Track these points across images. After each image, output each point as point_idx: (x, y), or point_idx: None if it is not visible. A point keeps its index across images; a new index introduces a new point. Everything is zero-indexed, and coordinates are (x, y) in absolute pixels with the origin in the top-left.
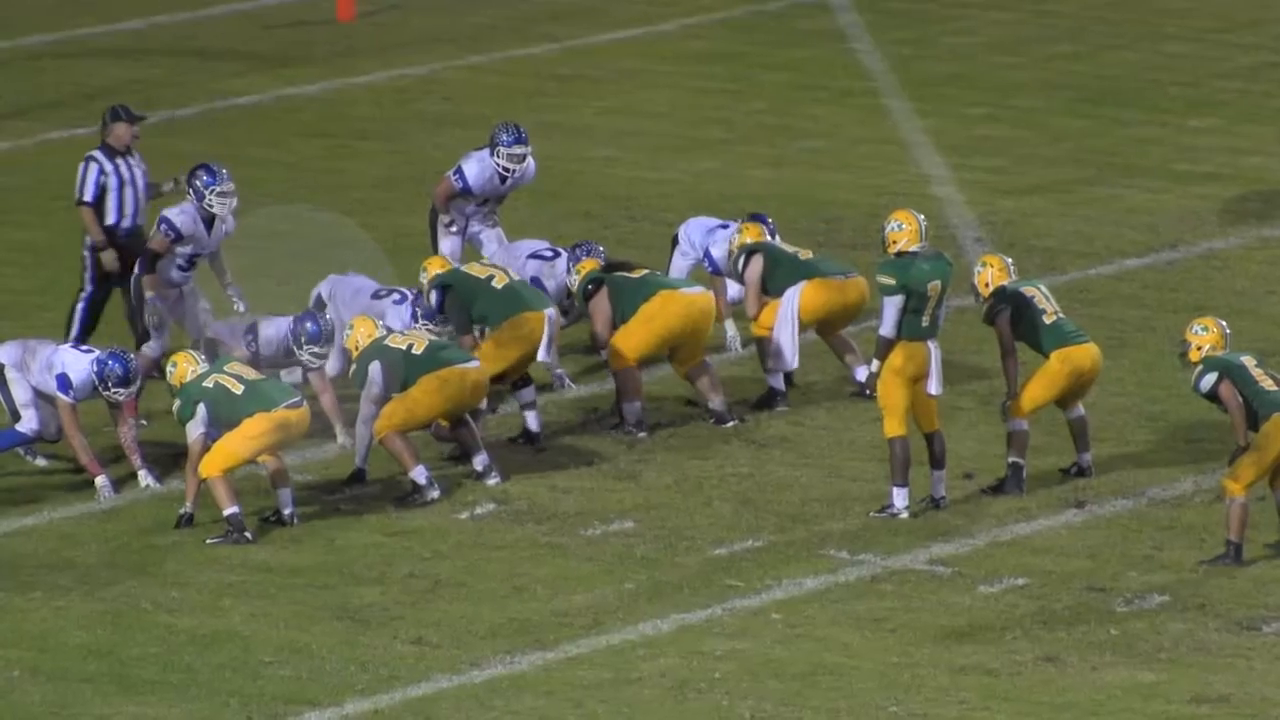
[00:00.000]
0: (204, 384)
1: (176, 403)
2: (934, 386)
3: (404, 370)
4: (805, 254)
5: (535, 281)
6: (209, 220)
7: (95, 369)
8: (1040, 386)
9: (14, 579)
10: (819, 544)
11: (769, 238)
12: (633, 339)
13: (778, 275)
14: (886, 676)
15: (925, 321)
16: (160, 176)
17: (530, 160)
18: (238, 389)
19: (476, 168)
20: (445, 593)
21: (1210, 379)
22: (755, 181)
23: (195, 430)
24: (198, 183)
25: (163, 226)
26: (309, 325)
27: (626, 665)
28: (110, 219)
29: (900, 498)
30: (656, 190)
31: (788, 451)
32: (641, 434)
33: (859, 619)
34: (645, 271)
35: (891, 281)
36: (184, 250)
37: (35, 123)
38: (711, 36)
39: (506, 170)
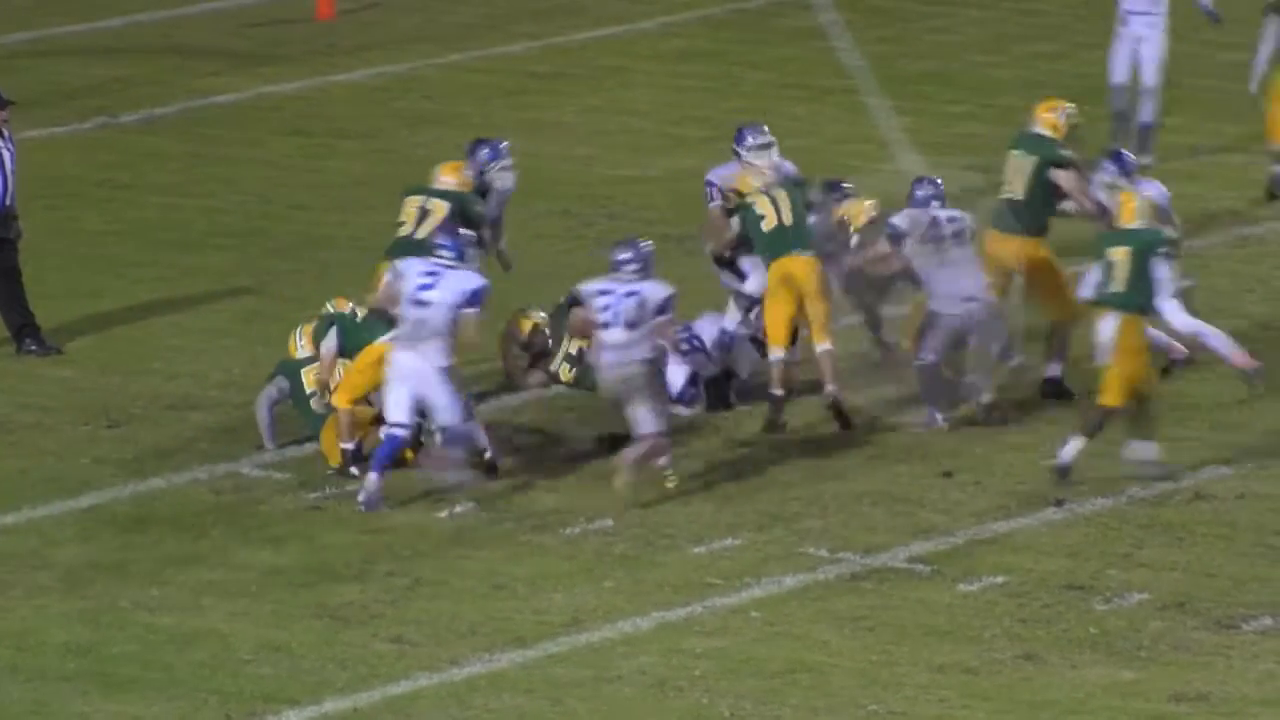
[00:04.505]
0: (342, 310)
1: (313, 322)
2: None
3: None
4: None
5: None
6: (483, 193)
7: None
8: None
9: None
10: (798, 542)
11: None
12: None
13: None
14: (866, 674)
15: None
16: (146, 172)
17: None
18: (362, 316)
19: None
20: (425, 591)
21: None
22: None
23: (326, 345)
24: (481, 157)
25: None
26: None
27: (606, 663)
28: None
29: None
30: (637, 189)
31: (767, 450)
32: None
33: (838, 617)
34: None
35: None
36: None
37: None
38: (691, 35)
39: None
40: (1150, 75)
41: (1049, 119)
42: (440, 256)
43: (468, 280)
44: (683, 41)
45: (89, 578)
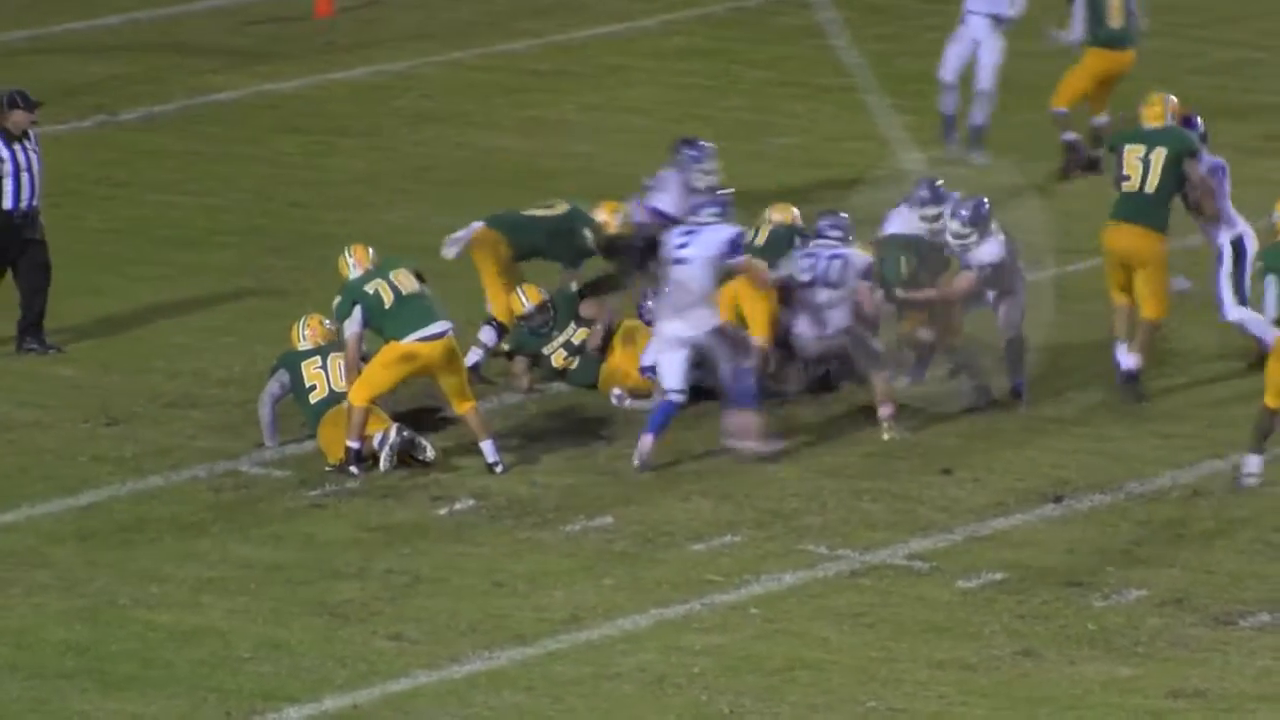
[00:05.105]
0: (365, 287)
1: (337, 299)
2: None
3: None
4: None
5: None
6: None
7: None
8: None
9: None
10: (797, 539)
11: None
12: None
13: None
14: (865, 671)
15: None
16: (146, 170)
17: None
18: (389, 299)
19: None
20: (424, 588)
21: None
22: (735, 178)
23: (350, 328)
24: (685, 156)
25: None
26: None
27: (606, 660)
28: (8, 203)
29: None
30: (637, 186)
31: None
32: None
33: (837, 614)
34: None
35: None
36: None
37: None
38: (691, 33)
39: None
40: (985, 79)
41: (1159, 113)
42: (701, 218)
43: (722, 231)
44: (683, 39)
45: (88, 576)
